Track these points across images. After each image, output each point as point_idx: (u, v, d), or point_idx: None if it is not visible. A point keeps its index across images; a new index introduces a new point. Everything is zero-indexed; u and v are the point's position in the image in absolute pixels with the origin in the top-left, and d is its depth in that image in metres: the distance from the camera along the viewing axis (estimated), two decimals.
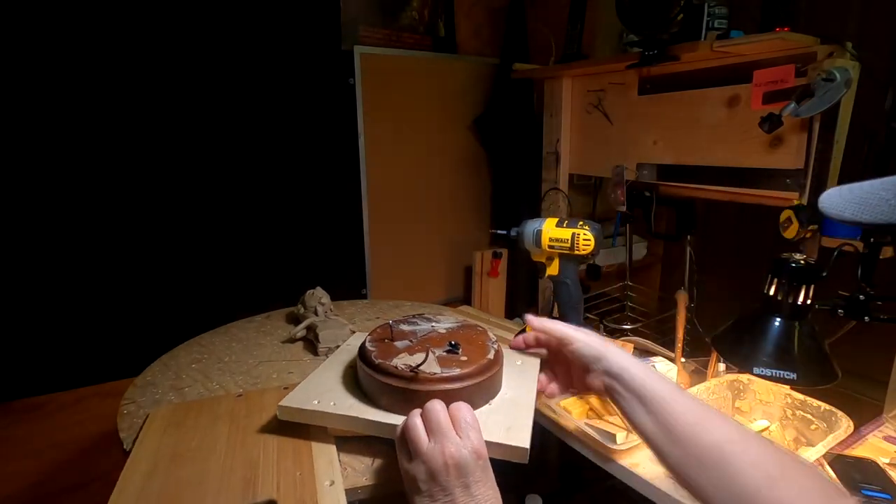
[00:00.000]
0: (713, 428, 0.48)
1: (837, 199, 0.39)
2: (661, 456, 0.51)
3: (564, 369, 0.63)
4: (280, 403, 0.61)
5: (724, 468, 0.46)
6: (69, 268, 1.16)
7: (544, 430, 0.83)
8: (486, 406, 0.60)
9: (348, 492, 0.55)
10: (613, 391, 0.55)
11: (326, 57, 1.42)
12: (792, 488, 0.43)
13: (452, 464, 0.47)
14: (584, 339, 0.58)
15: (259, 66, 1.32)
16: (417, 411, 0.53)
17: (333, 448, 0.61)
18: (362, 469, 0.59)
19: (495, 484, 0.49)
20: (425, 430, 0.50)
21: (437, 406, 0.51)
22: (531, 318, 0.63)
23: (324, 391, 0.63)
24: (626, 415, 0.54)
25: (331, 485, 0.54)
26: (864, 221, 0.37)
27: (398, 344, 0.63)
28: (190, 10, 1.20)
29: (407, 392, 0.56)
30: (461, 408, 0.52)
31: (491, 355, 0.61)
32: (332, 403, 0.60)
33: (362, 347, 0.64)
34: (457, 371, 0.57)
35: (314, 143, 1.45)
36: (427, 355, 0.59)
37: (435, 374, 0.57)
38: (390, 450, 0.61)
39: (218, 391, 0.76)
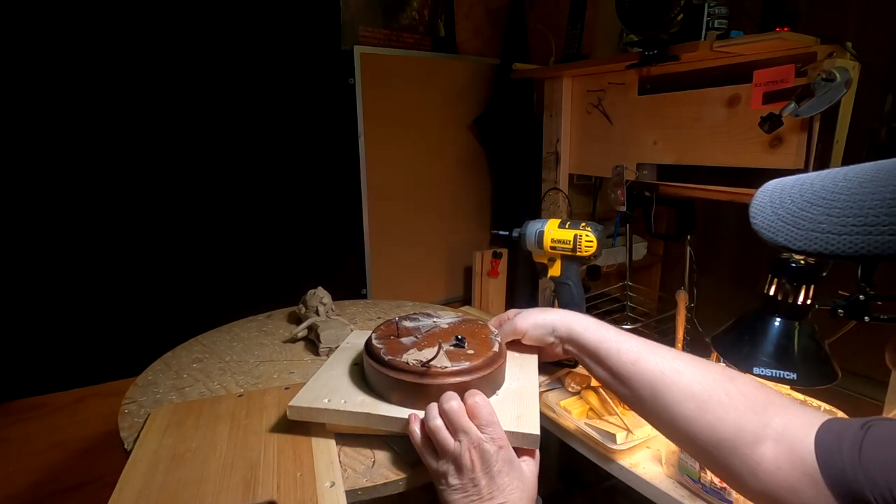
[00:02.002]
0: (647, 365, 0.53)
1: (770, 217, 0.33)
2: (619, 398, 0.59)
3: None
4: (290, 403, 0.60)
5: (658, 401, 0.51)
6: (69, 268, 1.16)
7: (544, 430, 0.83)
8: (494, 397, 0.61)
9: (348, 493, 0.55)
10: (570, 353, 0.64)
11: (326, 57, 1.42)
12: (718, 409, 0.47)
13: (477, 458, 0.49)
14: (530, 324, 0.66)
15: (259, 66, 1.32)
16: (436, 411, 0.54)
17: (334, 449, 0.61)
18: (363, 470, 0.59)
19: (523, 474, 0.51)
20: (448, 430, 0.52)
21: (454, 405, 0.53)
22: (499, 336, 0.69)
23: (332, 389, 0.63)
24: (585, 367, 0.62)
25: (331, 486, 0.54)
26: (798, 249, 0.31)
27: (404, 340, 0.64)
28: (190, 9, 1.20)
29: (419, 387, 0.57)
30: (480, 404, 0.53)
31: (496, 348, 0.63)
32: (342, 401, 0.60)
33: (370, 345, 0.64)
34: (466, 364, 0.58)
35: (314, 144, 1.45)
36: (439, 350, 0.59)
37: (446, 367, 0.57)
38: (391, 451, 0.62)
39: (219, 391, 0.76)
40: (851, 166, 0.32)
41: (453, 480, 0.50)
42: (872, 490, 0.34)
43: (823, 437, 0.40)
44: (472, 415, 0.52)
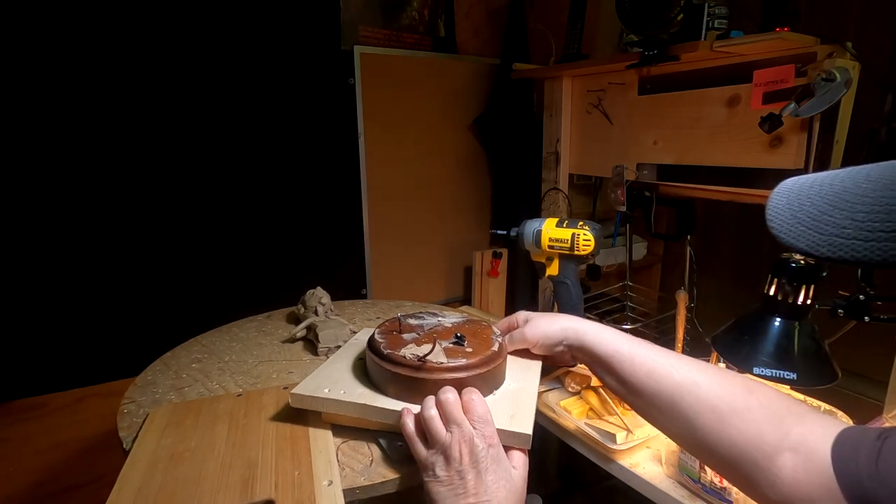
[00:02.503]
0: (662, 376, 0.52)
1: (789, 220, 0.31)
2: (633, 408, 0.58)
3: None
4: (292, 391, 0.62)
5: (677, 413, 0.50)
6: (69, 267, 1.16)
7: (544, 430, 0.83)
8: (491, 396, 0.61)
9: (346, 492, 0.55)
10: (580, 360, 0.64)
11: (326, 57, 1.42)
12: (738, 422, 0.46)
13: (467, 452, 0.50)
14: (540, 335, 0.65)
15: (259, 66, 1.32)
16: (432, 402, 0.55)
17: (332, 448, 0.61)
18: (360, 469, 0.59)
19: (510, 474, 0.51)
20: (441, 421, 0.53)
21: (451, 397, 0.54)
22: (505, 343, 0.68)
23: (334, 381, 0.65)
24: (595, 375, 0.62)
25: (329, 485, 0.54)
26: (820, 255, 0.29)
27: (406, 336, 0.65)
28: (189, 9, 1.20)
29: (414, 381, 0.58)
30: (475, 401, 0.54)
31: (495, 347, 0.63)
32: (342, 392, 0.62)
33: (372, 339, 0.66)
34: (462, 361, 0.59)
35: (314, 144, 1.45)
36: (434, 346, 0.60)
37: (441, 363, 0.58)
38: (388, 450, 0.62)
39: (218, 391, 0.76)
40: (871, 166, 0.30)
41: (440, 472, 0.50)
42: (889, 501, 0.34)
43: (840, 447, 0.40)
44: (466, 410, 0.53)
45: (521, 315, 0.70)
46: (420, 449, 0.54)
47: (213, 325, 1.03)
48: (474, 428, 0.51)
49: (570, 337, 0.63)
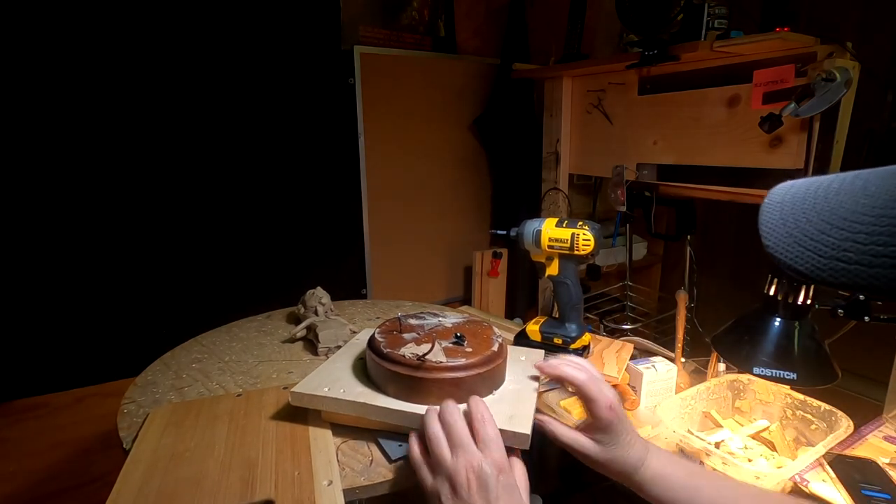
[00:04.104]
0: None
1: (785, 239, 0.28)
2: None
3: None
4: (292, 390, 0.62)
5: None
6: (69, 268, 1.16)
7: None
8: (490, 396, 0.61)
9: (346, 491, 0.55)
10: (635, 488, 0.55)
11: (326, 57, 1.42)
12: None
13: (474, 478, 0.46)
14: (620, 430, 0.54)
15: (259, 66, 1.32)
16: (436, 417, 0.51)
17: (332, 448, 0.61)
18: (360, 469, 0.59)
19: (521, 499, 0.48)
20: (447, 443, 0.49)
21: (457, 420, 0.50)
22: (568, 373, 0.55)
23: (334, 380, 0.65)
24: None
25: (329, 484, 0.54)
26: (822, 281, 0.26)
27: (406, 336, 0.66)
28: (190, 9, 1.20)
29: (414, 380, 0.58)
30: (485, 420, 0.50)
31: (495, 347, 0.63)
32: (341, 391, 0.62)
33: (372, 338, 0.66)
34: (462, 361, 0.59)
35: (314, 144, 1.45)
36: (433, 345, 0.60)
37: (441, 362, 0.58)
38: (388, 450, 0.62)
39: (218, 391, 0.76)
40: (867, 174, 0.27)
41: (447, 502, 0.46)
42: None
43: None
44: (473, 431, 0.49)
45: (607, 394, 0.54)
46: (426, 476, 0.50)
47: (213, 325, 1.03)
48: (481, 450, 0.47)
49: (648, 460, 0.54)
